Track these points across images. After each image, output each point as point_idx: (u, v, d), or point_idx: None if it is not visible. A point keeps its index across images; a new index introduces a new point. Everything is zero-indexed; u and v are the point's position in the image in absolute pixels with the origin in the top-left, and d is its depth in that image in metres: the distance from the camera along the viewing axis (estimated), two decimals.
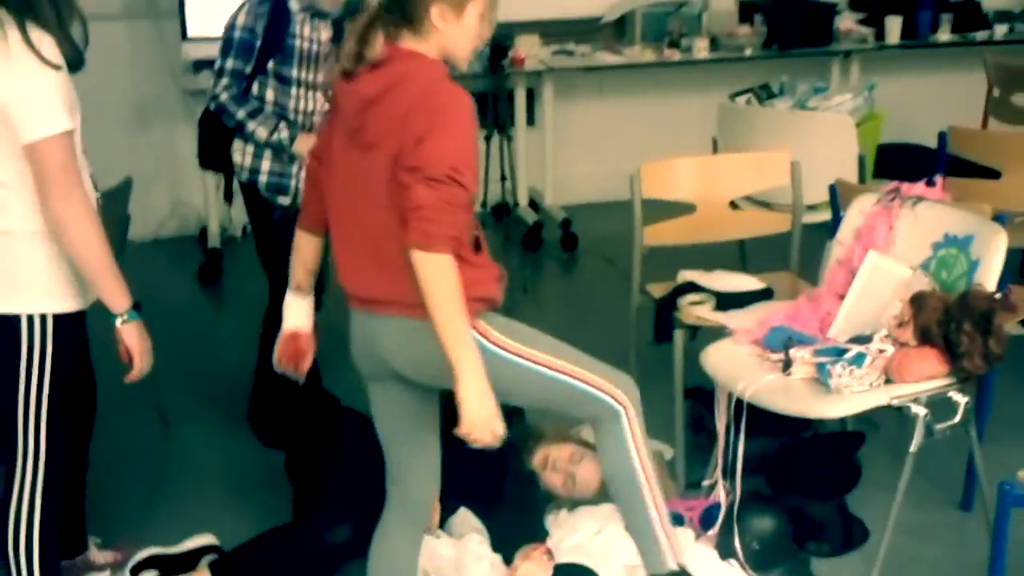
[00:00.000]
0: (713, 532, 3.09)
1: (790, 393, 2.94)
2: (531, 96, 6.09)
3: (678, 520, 3.15)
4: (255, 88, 3.56)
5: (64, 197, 2.38)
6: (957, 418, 2.90)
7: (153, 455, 3.84)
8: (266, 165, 3.64)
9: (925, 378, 2.88)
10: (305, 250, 2.56)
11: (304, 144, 3.56)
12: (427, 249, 2.13)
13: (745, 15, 6.13)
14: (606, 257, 5.44)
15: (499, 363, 2.33)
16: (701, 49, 5.78)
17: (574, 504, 3.25)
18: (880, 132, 4.87)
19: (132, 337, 2.52)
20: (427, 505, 2.64)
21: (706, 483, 3.25)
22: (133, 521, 3.36)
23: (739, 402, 3.01)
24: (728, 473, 3.13)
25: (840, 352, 2.95)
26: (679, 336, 3.50)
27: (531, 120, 6.14)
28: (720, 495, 3.16)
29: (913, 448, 2.88)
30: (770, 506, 3.18)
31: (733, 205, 4.02)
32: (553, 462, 3.27)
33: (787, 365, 2.99)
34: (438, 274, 2.14)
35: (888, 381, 2.91)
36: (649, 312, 3.74)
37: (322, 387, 4.00)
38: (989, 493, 2.92)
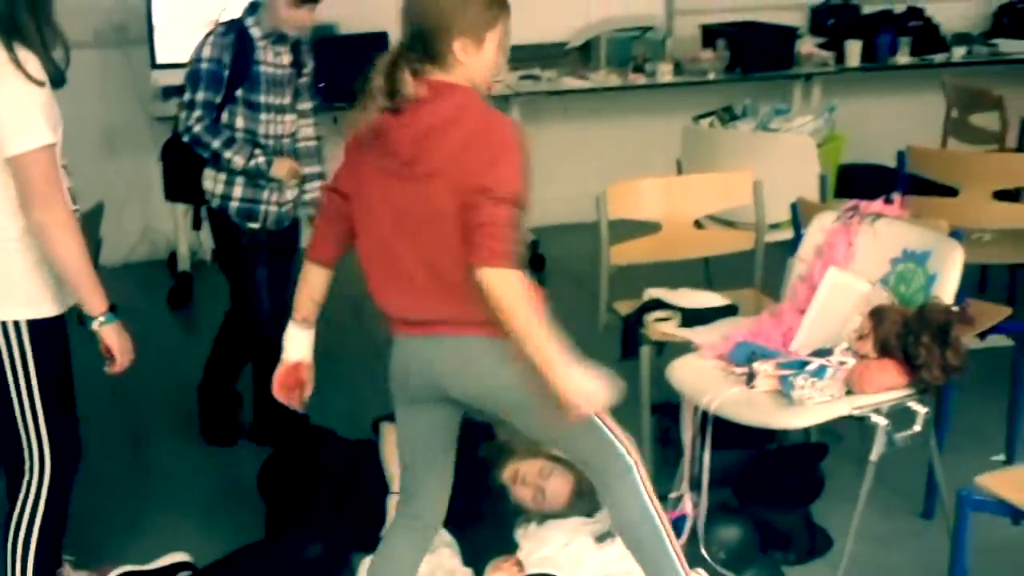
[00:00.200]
0: (681, 542, 3.14)
1: (754, 405, 3.00)
2: None
3: None
4: (225, 117, 3.64)
5: (47, 207, 2.47)
6: (917, 427, 2.97)
7: (127, 475, 3.86)
8: (238, 192, 3.71)
9: (885, 389, 2.96)
10: (315, 282, 2.59)
11: (280, 168, 3.65)
12: (497, 265, 2.22)
13: (708, 40, 6.22)
14: (573, 277, 5.50)
15: (512, 375, 2.36)
16: (665, 73, 5.87)
17: (543, 517, 3.30)
18: (841, 153, 4.97)
19: (112, 337, 2.62)
20: (438, 524, 2.68)
21: (673, 495, 3.30)
22: (107, 539, 3.38)
23: (705, 415, 3.07)
24: (695, 485, 3.18)
25: (802, 365, 3.01)
26: (646, 352, 3.56)
27: None
28: (687, 507, 3.21)
29: (874, 457, 2.95)
30: (736, 516, 3.23)
31: (698, 224, 4.09)
32: (523, 476, 3.31)
33: (751, 378, 3.06)
34: (511, 286, 2.24)
35: (849, 392, 2.98)
36: (616, 330, 3.79)
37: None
38: (949, 501, 2.99)
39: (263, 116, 3.65)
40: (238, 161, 3.61)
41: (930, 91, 5.92)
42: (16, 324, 2.57)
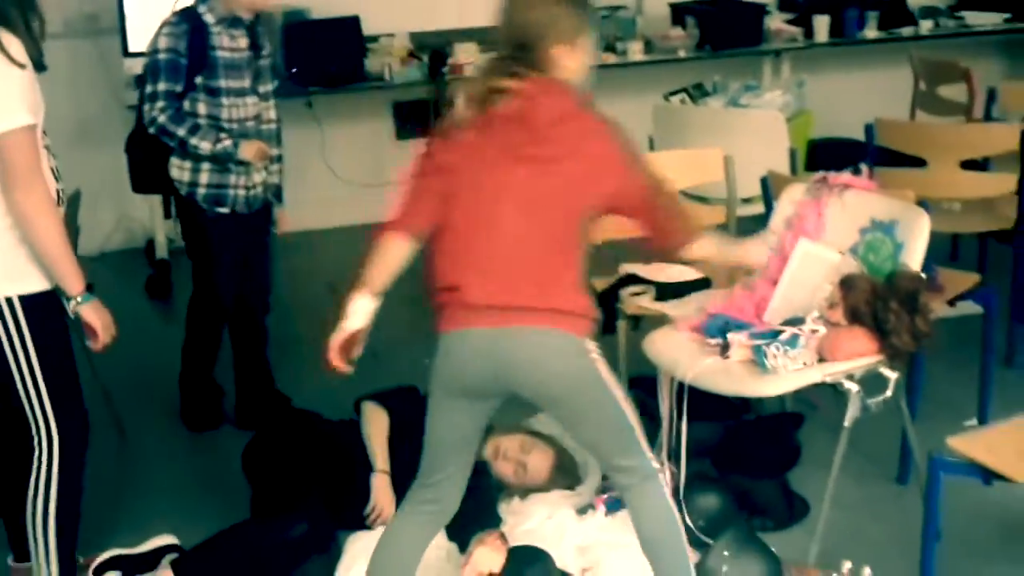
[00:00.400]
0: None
1: (729, 375, 3.05)
2: None
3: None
4: (187, 105, 3.68)
5: (27, 188, 2.51)
6: (889, 392, 3.03)
7: (111, 462, 3.88)
8: (204, 178, 3.75)
9: (856, 356, 3.01)
10: (396, 255, 2.58)
11: (248, 150, 3.68)
12: (689, 239, 2.72)
13: (677, 18, 6.27)
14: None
15: (599, 382, 2.50)
16: (636, 52, 5.91)
17: (526, 492, 3.36)
18: (811, 127, 5.02)
19: (92, 315, 2.66)
20: (454, 510, 2.72)
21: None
22: (94, 525, 3.39)
23: (681, 386, 3.11)
24: (673, 456, 3.24)
25: (775, 335, 3.06)
26: (622, 326, 3.62)
27: None
28: (666, 477, 3.26)
29: (847, 422, 3.01)
30: (714, 485, 3.29)
31: None
32: (504, 451, 3.36)
33: (725, 349, 3.10)
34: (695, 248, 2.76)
35: (822, 360, 3.04)
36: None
37: (276, 388, 4.10)
38: (923, 466, 3.04)
39: (224, 101, 3.69)
40: (205, 146, 3.65)
41: (898, 65, 5.98)
42: (8, 300, 2.61)
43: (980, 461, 2.66)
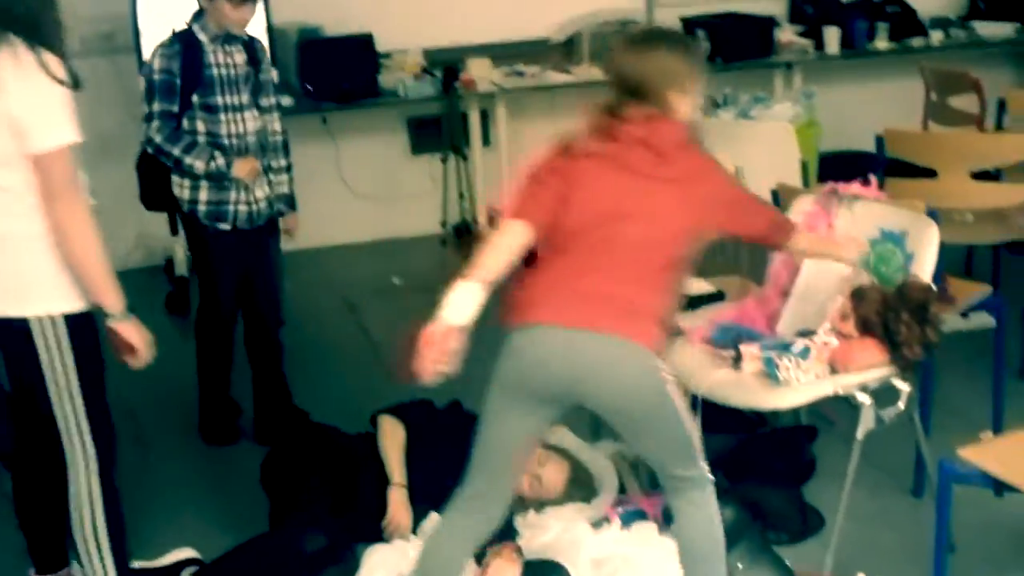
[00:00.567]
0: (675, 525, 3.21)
1: (742, 387, 3.07)
2: (485, 117, 6.23)
3: (641, 516, 3.28)
4: (185, 123, 3.76)
5: (68, 204, 2.58)
6: (901, 404, 3.04)
7: (132, 476, 3.89)
8: (204, 195, 3.82)
9: (867, 367, 3.03)
10: (514, 242, 2.58)
11: (241, 168, 3.74)
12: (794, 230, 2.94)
13: (688, 31, 6.27)
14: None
15: (667, 400, 2.57)
16: None
17: (541, 505, 3.38)
18: (819, 138, 5.04)
19: (132, 332, 2.71)
20: (499, 520, 2.74)
21: (662, 484, 3.37)
22: None
23: (694, 398, 3.14)
24: None
25: (787, 346, 3.08)
26: None
27: (487, 140, 6.28)
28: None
29: (860, 434, 3.03)
30: (728, 497, 3.30)
31: None
32: None
33: (737, 361, 3.13)
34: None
35: (834, 372, 3.06)
36: None
37: (293, 403, 4.14)
38: (935, 478, 3.06)
39: (222, 117, 3.76)
40: (199, 166, 3.72)
41: (909, 76, 5.98)
42: (52, 319, 2.64)
43: (991, 471, 2.67)
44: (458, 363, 2.47)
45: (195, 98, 3.72)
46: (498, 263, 2.56)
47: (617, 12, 6.34)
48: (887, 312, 3.02)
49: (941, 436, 3.50)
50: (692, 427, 2.64)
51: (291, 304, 4.40)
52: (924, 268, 3.14)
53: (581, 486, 3.47)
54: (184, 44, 3.70)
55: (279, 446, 3.57)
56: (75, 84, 2.61)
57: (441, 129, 5.86)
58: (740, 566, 2.94)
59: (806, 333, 3.13)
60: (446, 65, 5.80)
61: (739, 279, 3.90)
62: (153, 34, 5.40)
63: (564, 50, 6.33)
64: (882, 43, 6.35)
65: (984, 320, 3.84)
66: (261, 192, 3.89)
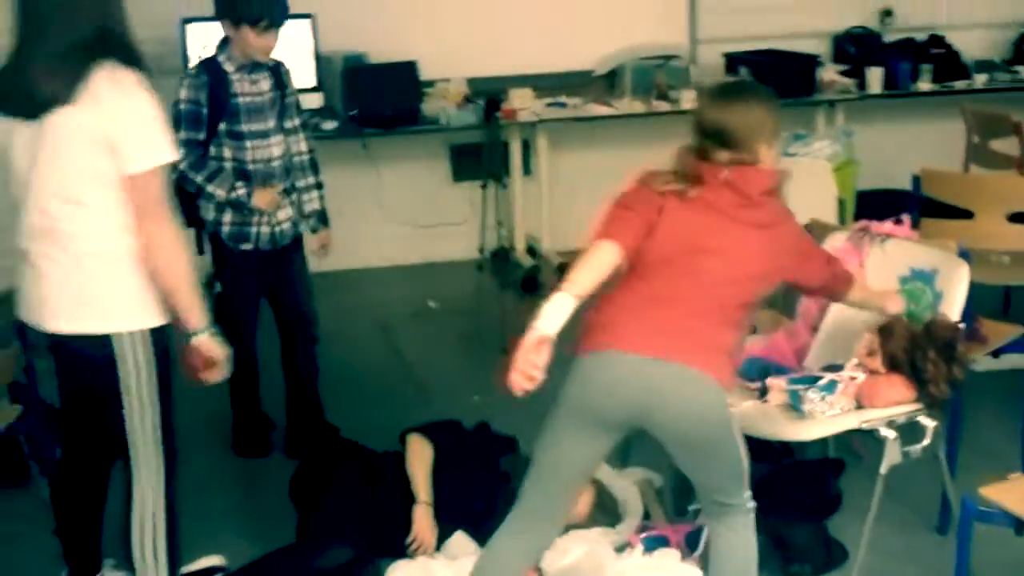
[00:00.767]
0: (698, 554, 3.23)
1: (766, 418, 3.10)
2: (526, 147, 6.30)
3: (664, 542, 3.30)
4: (212, 150, 3.86)
5: (160, 223, 2.64)
6: (927, 440, 3.06)
7: None
8: (227, 217, 3.91)
9: (893, 403, 3.05)
10: (606, 260, 2.65)
11: (261, 199, 3.83)
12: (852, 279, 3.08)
13: (731, 67, 6.34)
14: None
15: (730, 434, 2.66)
16: (688, 100, 5.98)
17: (565, 528, 3.39)
18: (857, 176, 5.06)
19: (214, 347, 2.77)
20: (552, 541, 2.83)
21: (692, 508, 3.40)
22: None
23: None
24: None
25: (814, 380, 3.11)
26: None
27: (527, 170, 6.35)
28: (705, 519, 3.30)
29: (883, 469, 3.04)
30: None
31: None
32: None
33: (763, 393, 3.16)
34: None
35: (860, 407, 3.08)
36: None
37: (325, 419, 4.21)
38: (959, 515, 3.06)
39: (248, 143, 3.85)
40: (220, 193, 3.82)
41: (951, 117, 6.00)
42: (135, 334, 2.68)
43: (1011, 510, 2.68)
44: (544, 376, 2.52)
45: (222, 126, 3.81)
46: (591, 279, 2.62)
47: (660, 47, 6.40)
48: (914, 349, 3.04)
49: (970, 475, 3.48)
50: (746, 459, 2.70)
51: (327, 324, 4.45)
52: (953, 307, 3.16)
53: (606, 511, 3.50)
54: (210, 74, 3.79)
55: (308, 460, 3.63)
56: None
57: (482, 157, 5.93)
58: None
59: (833, 368, 3.15)
60: (488, 94, 5.87)
61: (771, 313, 3.93)
62: (202, 57, 5.54)
63: (606, 83, 6.39)
64: (925, 84, 6.36)
65: (1016, 360, 3.84)
66: (284, 214, 3.97)
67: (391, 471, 3.45)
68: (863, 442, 3.44)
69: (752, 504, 2.74)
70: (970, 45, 6.70)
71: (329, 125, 5.66)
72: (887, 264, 3.35)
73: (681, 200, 2.68)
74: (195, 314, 2.73)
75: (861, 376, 3.09)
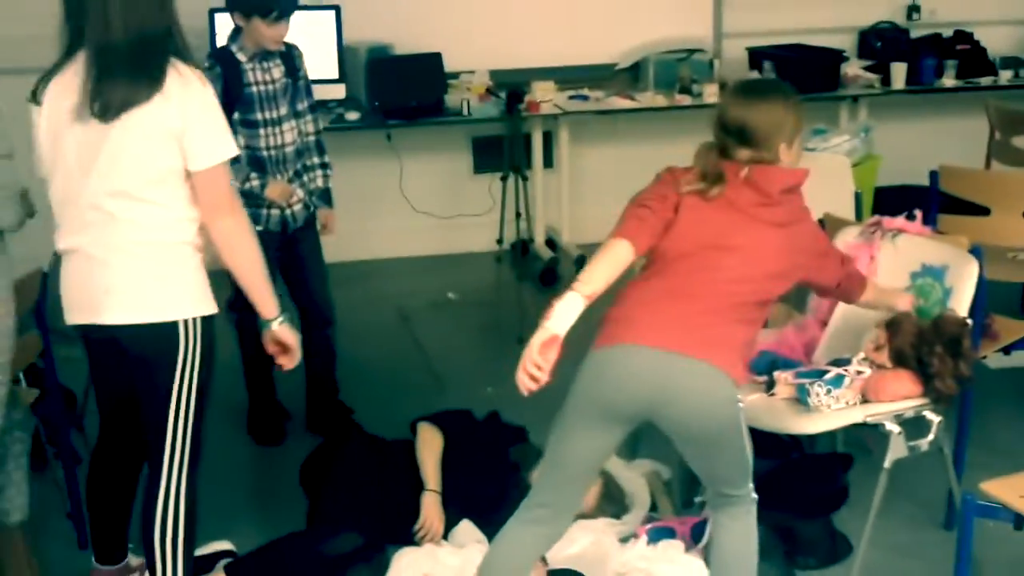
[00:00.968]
0: (702, 545, 3.25)
1: (773, 411, 3.12)
2: (548, 139, 6.32)
3: (670, 534, 3.32)
4: None
5: (232, 213, 2.69)
6: (931, 435, 3.06)
7: None
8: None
9: (899, 398, 3.06)
10: (620, 258, 2.68)
11: (273, 190, 3.89)
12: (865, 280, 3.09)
13: (755, 62, 6.33)
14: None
15: (738, 430, 2.68)
16: (711, 94, 5.98)
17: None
18: (877, 172, 5.04)
19: (288, 334, 2.83)
20: (563, 532, 2.85)
21: (698, 500, 3.42)
22: None
23: None
24: None
25: (821, 374, 3.12)
26: None
27: (548, 162, 6.36)
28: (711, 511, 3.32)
29: (887, 463, 3.05)
30: (758, 521, 3.33)
31: None
32: None
33: (770, 386, 3.17)
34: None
35: (866, 401, 3.09)
36: None
37: (339, 398, 4.27)
38: None
39: (261, 131, 3.92)
40: (234, 184, 3.85)
41: (975, 114, 5.97)
42: (193, 321, 2.71)
43: (1011, 505, 2.68)
44: (552, 374, 2.56)
45: (236, 115, 3.86)
46: (603, 279, 2.65)
47: (684, 41, 6.39)
48: (921, 344, 3.04)
49: (979, 472, 3.46)
50: (751, 453, 2.73)
51: (347, 314, 4.51)
52: (962, 303, 3.16)
53: (613, 502, 3.53)
54: (224, 65, 3.84)
55: (319, 448, 3.68)
56: None
57: (503, 149, 5.96)
58: None
59: (840, 362, 3.16)
60: (511, 87, 5.90)
61: (782, 307, 3.93)
62: None
63: (629, 76, 6.40)
64: (949, 80, 6.33)
65: None
66: (295, 197, 4.03)
67: (401, 459, 3.49)
68: (874, 436, 3.43)
69: (755, 495, 2.76)
70: (998, 41, 6.65)
71: (352, 116, 5.70)
72: (898, 259, 3.35)
73: (701, 197, 2.71)
74: (269, 303, 2.78)
75: (867, 371, 3.10)
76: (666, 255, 2.70)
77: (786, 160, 2.76)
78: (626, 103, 6.07)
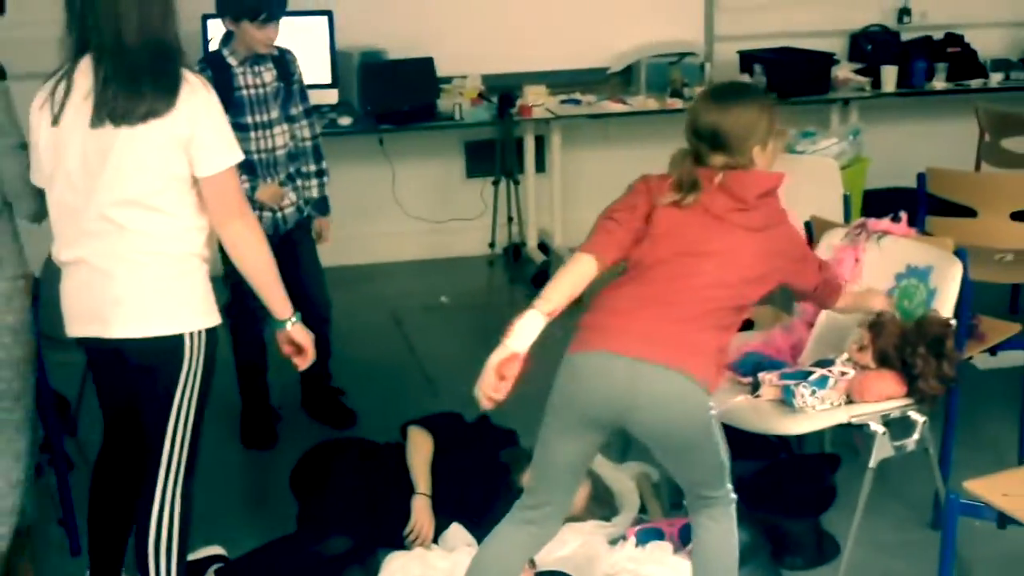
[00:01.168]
0: (691, 547, 3.27)
1: (758, 412, 3.14)
2: (540, 143, 6.35)
3: (658, 535, 3.34)
4: None
5: (242, 216, 2.70)
6: (916, 435, 3.09)
7: None
8: None
9: (883, 398, 3.08)
10: (582, 274, 2.70)
11: (264, 193, 3.91)
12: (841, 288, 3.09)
13: (746, 66, 6.35)
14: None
15: (711, 436, 2.67)
16: None
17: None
18: (866, 175, 5.07)
19: (302, 334, 2.83)
20: (553, 534, 2.86)
21: (686, 502, 3.43)
22: None
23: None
24: None
25: (805, 375, 3.14)
26: None
27: (540, 166, 6.39)
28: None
29: (872, 463, 3.08)
30: (744, 522, 3.35)
31: None
32: None
33: (755, 387, 3.19)
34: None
35: (850, 402, 3.11)
36: None
37: (330, 384, 4.30)
38: None
39: (252, 135, 3.95)
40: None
41: (966, 116, 5.99)
42: (198, 334, 2.71)
43: (994, 504, 2.70)
44: (511, 392, 2.59)
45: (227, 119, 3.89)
46: (564, 295, 2.67)
47: (675, 44, 6.42)
48: (904, 345, 3.07)
49: (967, 472, 3.46)
50: (726, 455, 2.73)
51: (341, 317, 4.52)
52: (946, 304, 3.18)
53: (602, 504, 3.55)
54: (215, 69, 3.86)
55: (309, 452, 3.69)
56: None
57: (496, 153, 5.98)
58: None
59: (825, 363, 3.18)
60: (503, 91, 5.93)
61: (770, 309, 3.96)
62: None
63: (621, 80, 6.43)
64: (940, 83, 6.36)
65: (1014, 358, 3.85)
66: (287, 200, 4.06)
67: (391, 462, 3.51)
68: (862, 438, 3.46)
69: (733, 496, 2.77)
70: (988, 44, 6.68)
71: (345, 121, 5.73)
72: (883, 261, 3.38)
73: (676, 205, 2.71)
74: (282, 304, 2.79)
75: (851, 371, 3.12)
76: (642, 262, 2.70)
77: (761, 163, 2.76)
78: (618, 107, 6.10)
